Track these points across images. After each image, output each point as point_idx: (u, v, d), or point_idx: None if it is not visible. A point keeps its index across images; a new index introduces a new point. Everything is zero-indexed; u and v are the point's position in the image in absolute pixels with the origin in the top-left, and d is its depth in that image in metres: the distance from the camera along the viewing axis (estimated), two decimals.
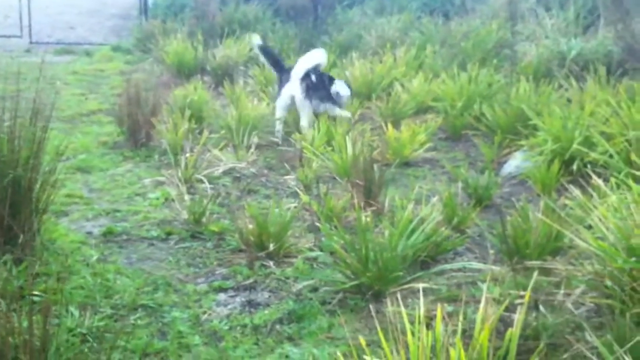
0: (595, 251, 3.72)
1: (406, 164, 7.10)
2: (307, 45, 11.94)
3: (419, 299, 3.95)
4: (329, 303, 4.10)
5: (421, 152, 7.27)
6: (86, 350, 3.45)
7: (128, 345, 3.57)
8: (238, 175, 6.55)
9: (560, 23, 11.64)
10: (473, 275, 4.44)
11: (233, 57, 10.93)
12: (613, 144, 6.10)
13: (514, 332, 2.64)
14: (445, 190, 5.62)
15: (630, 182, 4.24)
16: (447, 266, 4.42)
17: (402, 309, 2.84)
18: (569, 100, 7.99)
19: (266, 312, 4.03)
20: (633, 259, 3.50)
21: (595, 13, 11.84)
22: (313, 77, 7.98)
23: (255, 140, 7.36)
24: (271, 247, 4.63)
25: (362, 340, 2.78)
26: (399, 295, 3.78)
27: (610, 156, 6.00)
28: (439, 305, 2.72)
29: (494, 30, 11.69)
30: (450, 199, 5.34)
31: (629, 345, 2.86)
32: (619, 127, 6.46)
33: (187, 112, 7.45)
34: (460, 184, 6.09)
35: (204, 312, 4.01)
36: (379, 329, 2.76)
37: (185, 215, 5.27)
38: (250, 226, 4.75)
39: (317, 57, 8.28)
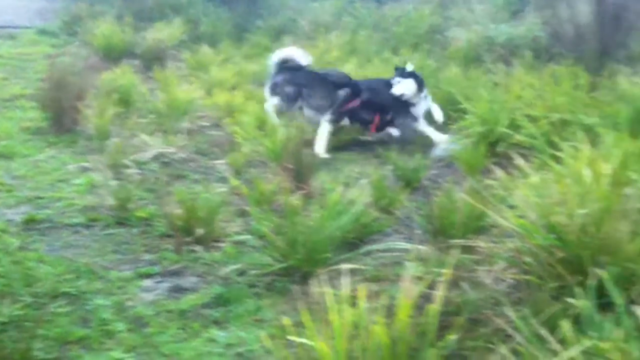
0: (516, 229, 3.82)
1: (338, 147, 7.11)
2: (240, 30, 11.84)
3: (346, 279, 4.03)
4: (257, 286, 4.09)
5: (353, 136, 7.30)
6: (5, 339, 3.34)
7: (49, 334, 3.48)
8: (167, 160, 6.43)
9: (490, 9, 11.88)
10: (400, 255, 4.48)
11: (164, 41, 10.70)
12: (537, 126, 6.25)
13: (434, 307, 2.67)
14: (375, 173, 5.68)
15: (552, 162, 4.35)
16: (375, 247, 4.45)
17: (327, 289, 2.83)
18: (496, 85, 8.14)
19: (193, 296, 3.99)
20: (552, 235, 3.60)
21: None
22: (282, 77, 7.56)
23: (185, 124, 7.25)
24: (200, 231, 4.57)
25: (287, 321, 2.77)
26: (326, 277, 3.81)
27: (535, 138, 6.16)
28: (361, 285, 2.72)
29: (426, 15, 11.82)
30: (380, 182, 5.39)
31: (542, 315, 2.94)
32: (543, 110, 6.64)
33: (115, 97, 7.27)
34: (390, 167, 6.17)
35: (129, 299, 3.94)
36: (303, 310, 2.75)
37: (111, 201, 5.15)
38: (178, 211, 4.67)
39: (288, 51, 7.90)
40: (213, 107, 8.02)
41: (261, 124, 7.04)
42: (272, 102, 7.48)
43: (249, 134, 6.73)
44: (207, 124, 7.74)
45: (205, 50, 10.62)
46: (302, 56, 7.78)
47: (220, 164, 6.42)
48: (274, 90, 7.54)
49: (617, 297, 2.82)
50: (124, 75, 8.37)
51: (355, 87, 7.29)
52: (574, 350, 2.35)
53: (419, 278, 3.78)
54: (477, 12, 11.61)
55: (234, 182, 5.43)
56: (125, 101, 7.72)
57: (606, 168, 3.89)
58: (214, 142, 7.09)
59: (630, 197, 3.65)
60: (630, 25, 9.08)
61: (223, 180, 5.93)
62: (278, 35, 11.73)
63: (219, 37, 11.69)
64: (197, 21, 12.48)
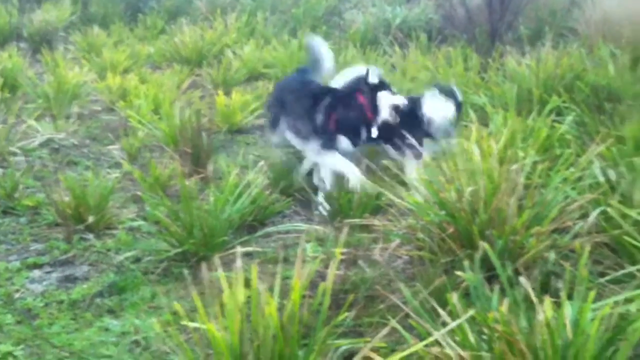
0: (409, 207, 3.91)
1: (237, 130, 7.04)
2: (133, 11, 11.49)
3: (244, 262, 4.00)
4: (153, 273, 3.99)
5: (252, 119, 7.23)
6: None
7: None
8: (57, 146, 6.18)
9: None
10: (299, 236, 4.49)
11: (52, 23, 10.26)
12: None
13: (327, 285, 2.69)
14: (274, 155, 5.66)
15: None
16: (273, 228, 4.44)
17: (220, 272, 2.79)
18: (393, 66, 8.28)
19: (85, 286, 3.85)
20: (443, 212, 3.70)
21: None
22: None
23: (75, 109, 6.98)
24: (91, 219, 4.42)
25: (179, 307, 2.72)
26: (224, 260, 3.76)
27: None
28: (253, 266, 2.70)
29: None
30: (279, 164, 5.37)
31: (430, 288, 3.02)
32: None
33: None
34: (290, 150, 6.15)
35: (17, 290, 3.76)
36: (194, 294, 2.71)
37: None
38: (67, 199, 4.49)
39: None
40: (106, 91, 7.75)
41: (156, 107, 6.86)
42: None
43: (144, 118, 6.55)
44: (100, 108, 7.50)
45: (96, 32, 10.24)
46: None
47: (114, 149, 6.23)
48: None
49: (501, 269, 2.93)
50: (9, 58, 7.95)
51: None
52: (458, 321, 2.43)
53: (317, 258, 3.84)
54: None
55: (128, 167, 5.27)
56: (11, 86, 7.34)
57: (494, 146, 4.04)
58: (107, 126, 6.87)
59: (517, 173, 3.79)
60: (518, 7, 9.44)
61: (117, 165, 5.75)
62: (173, 17, 11.47)
63: (110, 18, 11.31)
64: (87, 2, 12.02)
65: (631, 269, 2.97)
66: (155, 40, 10.65)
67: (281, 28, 10.60)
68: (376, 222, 3.99)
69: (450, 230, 3.61)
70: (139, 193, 4.90)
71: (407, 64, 8.00)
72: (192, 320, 2.75)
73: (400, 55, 8.51)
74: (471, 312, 2.51)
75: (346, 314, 2.80)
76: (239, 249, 2.90)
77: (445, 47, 8.81)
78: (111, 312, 3.63)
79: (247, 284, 2.76)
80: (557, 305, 2.56)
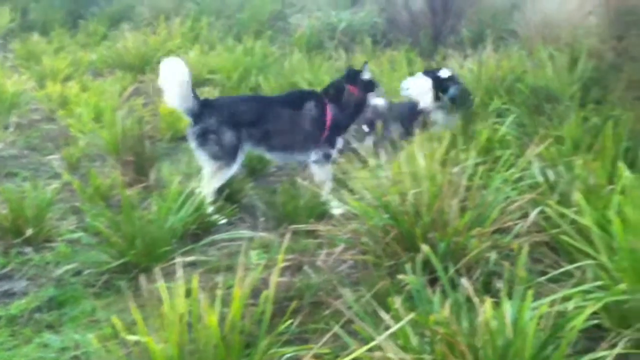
0: (354, 211, 3.91)
1: (182, 138, 6.93)
2: (74, 17, 11.27)
3: (186, 272, 3.94)
4: (93, 286, 3.90)
5: None
6: None
7: None
8: None
9: None
10: (246, 243, 4.45)
11: None
12: None
13: (269, 293, 2.66)
14: None
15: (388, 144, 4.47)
16: (217, 237, 4.38)
17: (161, 283, 2.74)
18: (338, 71, 8.29)
19: (23, 301, 3.73)
20: (386, 215, 3.71)
21: None
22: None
23: (14, 119, 6.79)
24: (29, 232, 4.30)
25: (117, 321, 2.65)
26: (167, 271, 3.70)
27: None
28: (201, 276, 2.66)
29: (268, 1, 11.83)
30: None
31: (372, 292, 3.02)
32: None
33: None
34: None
35: None
36: (133, 307, 2.65)
37: None
38: (4, 211, 4.36)
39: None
40: (45, 100, 7.58)
41: (98, 115, 6.73)
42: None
43: (85, 127, 6.42)
44: (39, 117, 7.31)
45: (36, 39, 10.02)
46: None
47: (54, 159, 6.08)
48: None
49: (442, 271, 2.94)
50: None
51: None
52: (399, 325, 2.43)
53: (264, 266, 3.82)
54: None
55: (67, 177, 5.14)
56: None
57: (436, 149, 4.07)
58: (47, 136, 6.72)
59: (459, 175, 3.83)
60: (460, 11, 9.59)
61: (57, 176, 5.61)
62: (116, 23, 11.28)
63: (51, 25, 11.06)
64: (27, 8, 11.74)
65: (569, 267, 3.02)
66: (97, 46, 10.47)
67: (226, 33, 10.53)
68: (321, 227, 3.97)
69: (394, 233, 3.62)
70: (79, 204, 4.79)
71: None
72: (133, 334, 2.69)
73: (346, 59, 8.54)
74: (412, 315, 2.51)
75: (290, 321, 2.78)
76: (179, 259, 2.84)
77: (390, 51, 8.89)
78: (50, 327, 3.53)
79: (189, 294, 2.72)
80: (499, 305, 2.59)
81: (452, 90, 5.51)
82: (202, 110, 4.94)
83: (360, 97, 5.18)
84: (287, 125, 5.09)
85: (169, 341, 2.48)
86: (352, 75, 5.26)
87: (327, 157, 5.11)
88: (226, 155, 4.93)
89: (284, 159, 5.40)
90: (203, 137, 4.92)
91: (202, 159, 4.96)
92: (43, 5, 12.02)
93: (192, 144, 4.99)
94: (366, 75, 5.24)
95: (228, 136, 4.94)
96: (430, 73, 5.68)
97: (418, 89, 5.60)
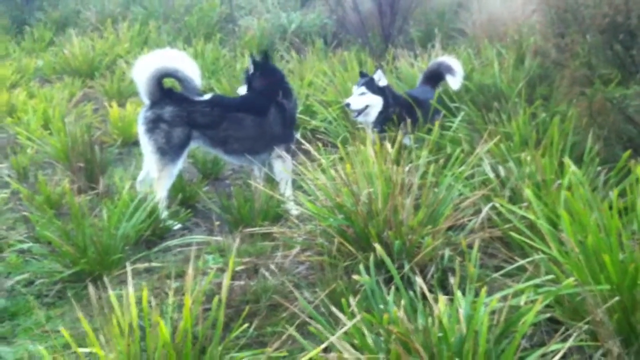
0: (309, 212, 3.91)
1: (134, 143, 6.85)
2: (19, 23, 11.02)
3: (141, 279, 3.90)
4: (46, 295, 3.83)
5: None
6: None
7: None
8: None
9: None
10: (201, 248, 4.42)
11: None
12: (331, 110, 6.42)
13: (222, 297, 2.65)
14: None
15: (341, 145, 4.47)
16: (172, 242, 4.33)
17: (110, 292, 2.70)
18: (291, 72, 8.29)
19: None
20: (341, 216, 3.72)
21: None
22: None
23: None
24: None
25: (66, 333, 2.60)
26: (121, 278, 3.67)
27: (330, 122, 6.34)
28: (144, 284, 2.63)
29: (216, 4, 11.76)
30: (177, 175, 5.26)
31: (326, 292, 3.03)
32: (334, 94, 6.86)
33: None
34: (190, 160, 6.05)
35: None
36: (81, 317, 2.60)
37: None
38: None
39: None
40: None
41: (46, 122, 6.60)
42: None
43: (33, 134, 6.29)
44: None
45: None
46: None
47: (3, 168, 5.94)
48: None
49: (394, 270, 2.97)
50: None
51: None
52: (350, 324, 2.44)
53: (219, 270, 3.80)
54: (267, 1, 11.74)
55: (16, 186, 5.03)
56: None
57: (389, 148, 4.10)
58: None
59: (411, 173, 3.87)
60: (407, 11, 9.68)
61: (5, 185, 5.49)
62: (62, 28, 11.08)
63: None
64: None
65: (521, 262, 3.08)
66: (43, 52, 10.28)
67: (175, 37, 10.44)
68: (276, 229, 3.97)
69: (349, 233, 3.63)
70: (27, 213, 4.69)
71: (304, 69, 8.04)
72: (86, 344, 2.64)
73: (297, 60, 8.54)
74: (364, 314, 2.53)
75: (245, 325, 2.77)
76: (129, 267, 2.81)
77: (341, 51, 8.92)
78: (3, 338, 3.47)
79: (142, 301, 2.69)
80: (453, 302, 2.62)
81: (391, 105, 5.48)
82: (163, 97, 4.90)
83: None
84: (249, 129, 5.10)
85: (120, 352, 2.44)
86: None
87: (288, 150, 5.13)
88: (171, 151, 4.87)
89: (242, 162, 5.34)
90: (153, 123, 4.86)
91: (147, 149, 4.88)
92: None
93: (141, 127, 4.90)
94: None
95: (178, 131, 4.89)
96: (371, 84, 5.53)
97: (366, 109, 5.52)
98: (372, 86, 5.48)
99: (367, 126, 5.50)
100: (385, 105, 5.45)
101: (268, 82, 5.28)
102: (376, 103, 5.46)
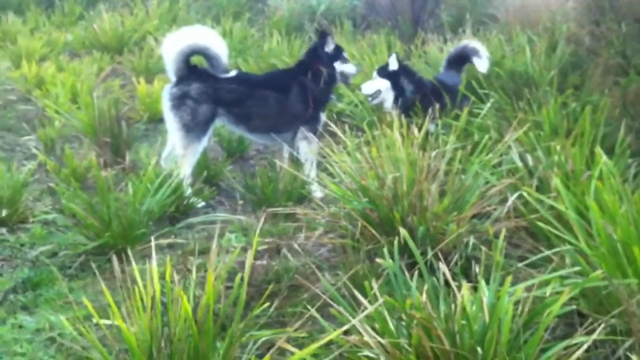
0: (333, 195, 3.89)
1: (160, 120, 6.85)
2: None
3: (164, 254, 3.91)
4: (69, 267, 3.87)
5: None
6: None
7: None
8: None
9: None
10: (223, 226, 4.42)
11: None
12: (357, 94, 6.37)
13: (245, 276, 2.64)
14: None
15: (368, 129, 4.44)
16: (195, 219, 4.33)
17: (134, 266, 2.71)
18: None
19: None
20: (365, 199, 3.70)
21: None
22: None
23: None
24: (4, 213, 4.25)
25: (89, 304, 2.61)
26: (144, 253, 3.69)
27: (356, 105, 6.29)
28: (168, 259, 2.63)
29: None
30: (202, 153, 5.27)
31: (348, 275, 3.01)
32: (361, 78, 6.79)
33: None
34: (215, 138, 6.05)
35: None
36: (105, 289, 2.62)
37: None
38: None
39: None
40: (21, 80, 7.47)
41: (74, 96, 6.63)
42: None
43: (61, 108, 6.33)
44: (15, 98, 7.20)
45: (11, 19, 9.85)
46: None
47: (30, 140, 6.00)
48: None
49: (419, 256, 2.94)
50: None
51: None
52: (373, 308, 2.42)
53: (242, 249, 3.79)
54: None
55: (43, 158, 5.07)
56: None
57: (416, 133, 4.06)
58: (22, 117, 6.63)
59: (438, 159, 3.83)
60: None
61: (33, 157, 5.53)
62: (92, 3, 11.11)
63: (26, 4, 10.86)
64: None
65: (547, 252, 3.03)
66: (73, 27, 10.32)
67: (204, 15, 10.41)
68: (299, 210, 3.95)
69: (373, 217, 3.61)
70: (54, 185, 4.72)
71: None
72: (108, 316, 2.66)
73: None
74: (386, 298, 2.50)
75: (266, 304, 2.76)
76: (154, 242, 2.81)
77: (370, 34, 8.85)
78: (25, 308, 3.51)
79: (164, 276, 2.69)
80: (477, 290, 2.59)
81: (408, 89, 5.42)
82: (190, 74, 4.89)
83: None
84: (272, 107, 5.08)
85: (140, 324, 2.45)
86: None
87: (314, 132, 5.09)
88: (197, 128, 4.86)
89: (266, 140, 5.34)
90: (179, 100, 4.85)
91: (173, 126, 4.88)
92: None
93: (167, 104, 4.90)
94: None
95: (204, 108, 4.88)
96: (383, 69, 5.51)
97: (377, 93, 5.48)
98: (382, 71, 5.47)
99: (390, 111, 5.44)
100: (399, 90, 5.39)
101: (300, 61, 5.35)
102: (385, 87, 5.42)
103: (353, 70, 5.45)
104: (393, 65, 5.45)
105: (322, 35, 5.33)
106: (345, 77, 5.45)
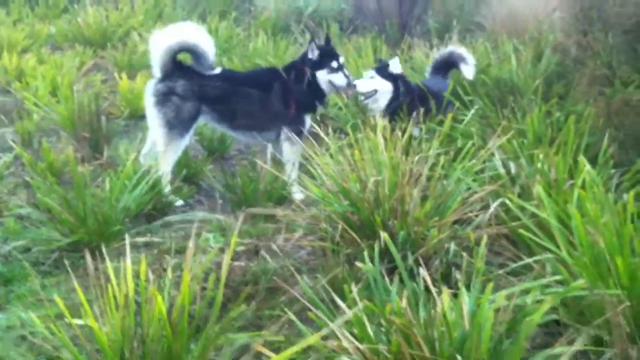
0: (314, 197, 3.84)
1: (141, 116, 6.77)
2: None
3: (140, 253, 3.84)
4: (43, 264, 3.78)
5: None
6: None
7: None
8: None
9: None
10: (202, 226, 4.35)
11: None
12: (341, 97, 6.30)
13: (221, 276, 2.58)
14: None
15: (351, 131, 4.39)
16: (172, 218, 4.27)
17: (108, 264, 2.64)
18: None
19: None
20: (346, 202, 3.65)
21: None
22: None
23: None
24: None
25: (60, 302, 2.53)
26: (119, 251, 3.61)
27: (340, 108, 6.26)
28: (142, 257, 2.57)
29: None
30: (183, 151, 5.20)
31: (327, 278, 2.97)
32: None
33: None
34: (195, 137, 5.97)
35: None
36: (78, 287, 2.54)
37: None
38: None
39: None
40: (1, 71, 7.36)
41: (55, 89, 6.53)
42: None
43: (40, 100, 6.23)
44: None
45: None
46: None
47: (7, 132, 5.89)
48: None
49: (400, 260, 2.90)
50: None
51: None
52: (351, 312, 2.37)
53: (220, 249, 3.72)
54: None
55: (19, 151, 4.97)
56: None
57: (399, 136, 4.02)
58: (1, 108, 6.50)
59: (420, 164, 3.79)
60: (426, 2, 9.58)
61: (9, 150, 5.42)
62: None
63: None
64: None
65: (528, 260, 3.00)
66: (57, 20, 10.20)
67: (190, 12, 10.34)
68: (279, 212, 3.90)
69: (354, 220, 3.56)
70: (29, 179, 4.63)
71: None
72: (80, 315, 2.58)
73: None
74: (366, 303, 2.46)
75: (243, 306, 2.70)
76: (129, 240, 2.74)
77: (356, 38, 8.82)
78: None
79: (139, 275, 2.62)
80: (457, 296, 2.55)
81: (402, 93, 5.29)
82: (175, 70, 4.81)
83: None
84: (255, 105, 5.00)
85: (112, 324, 2.38)
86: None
87: (299, 134, 4.93)
88: (181, 125, 4.79)
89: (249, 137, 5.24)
90: (164, 96, 4.77)
91: (155, 122, 4.79)
92: None
93: (150, 99, 4.81)
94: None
95: (189, 106, 4.81)
96: (382, 69, 5.36)
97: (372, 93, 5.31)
98: (383, 72, 5.35)
99: (376, 113, 5.36)
100: (396, 93, 5.32)
101: (290, 63, 5.26)
102: (386, 89, 5.30)
103: (342, 82, 5.08)
104: (396, 68, 5.34)
105: (309, 41, 5.23)
106: (337, 87, 5.12)
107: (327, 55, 5.10)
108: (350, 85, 5.09)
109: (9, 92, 6.91)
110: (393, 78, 5.31)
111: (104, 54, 8.57)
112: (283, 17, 10.30)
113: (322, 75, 5.05)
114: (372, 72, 5.36)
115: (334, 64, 5.07)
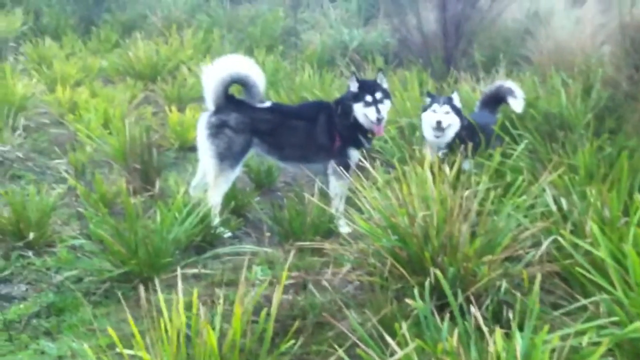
0: (362, 231, 3.83)
1: (190, 148, 6.90)
2: (86, 23, 11.27)
3: (190, 284, 3.87)
4: (94, 294, 3.84)
5: None
6: None
7: None
8: (0, 159, 5.95)
9: (344, 14, 12.08)
10: (250, 258, 4.37)
11: (2, 32, 9.99)
12: (390, 129, 6.34)
13: (272, 311, 2.59)
14: None
15: (398, 165, 4.38)
16: (221, 250, 4.30)
17: (160, 295, 2.67)
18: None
19: (22, 306, 3.69)
20: (395, 237, 3.64)
21: (375, 6, 12.44)
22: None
23: (22, 121, 6.76)
24: (31, 235, 4.25)
25: (113, 333, 2.57)
26: (169, 282, 3.64)
27: (385, 141, 6.26)
28: (193, 290, 2.59)
29: (280, 17, 11.83)
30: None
31: (379, 316, 2.94)
32: (392, 113, 6.77)
33: None
34: (244, 169, 6.02)
35: None
36: (130, 319, 2.58)
37: None
38: (7, 214, 4.30)
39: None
40: (55, 104, 7.55)
41: (107, 121, 6.69)
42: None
43: (93, 132, 6.38)
44: (48, 121, 7.28)
45: (48, 43, 10.02)
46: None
47: (61, 164, 6.04)
48: None
49: (451, 298, 2.86)
50: None
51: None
52: (404, 352, 2.35)
53: (268, 282, 3.74)
54: (331, 17, 11.77)
55: (72, 182, 5.09)
56: None
57: (447, 171, 4.00)
58: (54, 140, 6.68)
59: (470, 199, 3.75)
60: (472, 35, 9.56)
61: (62, 181, 5.56)
62: (128, 31, 11.29)
63: (63, 30, 11.07)
64: (39, 12, 11.76)
65: (584, 302, 2.93)
66: (108, 53, 10.48)
67: (237, 46, 10.51)
68: (327, 245, 3.90)
69: (402, 255, 3.54)
70: (82, 210, 4.73)
71: None
72: (131, 345, 2.62)
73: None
74: (418, 342, 2.43)
75: (292, 341, 2.70)
76: (180, 271, 2.77)
77: (402, 71, 8.85)
78: (48, 334, 3.48)
79: (190, 307, 2.65)
80: (508, 336, 2.51)
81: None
82: (228, 103, 4.92)
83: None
84: (301, 137, 5.07)
85: (164, 356, 2.40)
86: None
87: (346, 168, 4.91)
88: (232, 157, 4.88)
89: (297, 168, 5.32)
90: (217, 129, 4.86)
91: (207, 154, 4.88)
92: (55, 10, 12.01)
93: (204, 132, 4.90)
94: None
95: (241, 138, 4.90)
96: (448, 100, 5.24)
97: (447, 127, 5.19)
98: (454, 106, 5.23)
99: (435, 147, 5.23)
100: (460, 127, 5.25)
101: (341, 97, 5.27)
102: (455, 123, 5.20)
103: (372, 117, 4.98)
104: (458, 102, 5.26)
105: (351, 74, 5.26)
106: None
107: (365, 89, 5.06)
108: (379, 120, 5.01)
109: (63, 124, 7.09)
110: (457, 112, 5.27)
111: (154, 87, 8.75)
112: (328, 50, 10.40)
113: (358, 109, 5.02)
114: (447, 107, 5.19)
115: (369, 98, 5.01)
